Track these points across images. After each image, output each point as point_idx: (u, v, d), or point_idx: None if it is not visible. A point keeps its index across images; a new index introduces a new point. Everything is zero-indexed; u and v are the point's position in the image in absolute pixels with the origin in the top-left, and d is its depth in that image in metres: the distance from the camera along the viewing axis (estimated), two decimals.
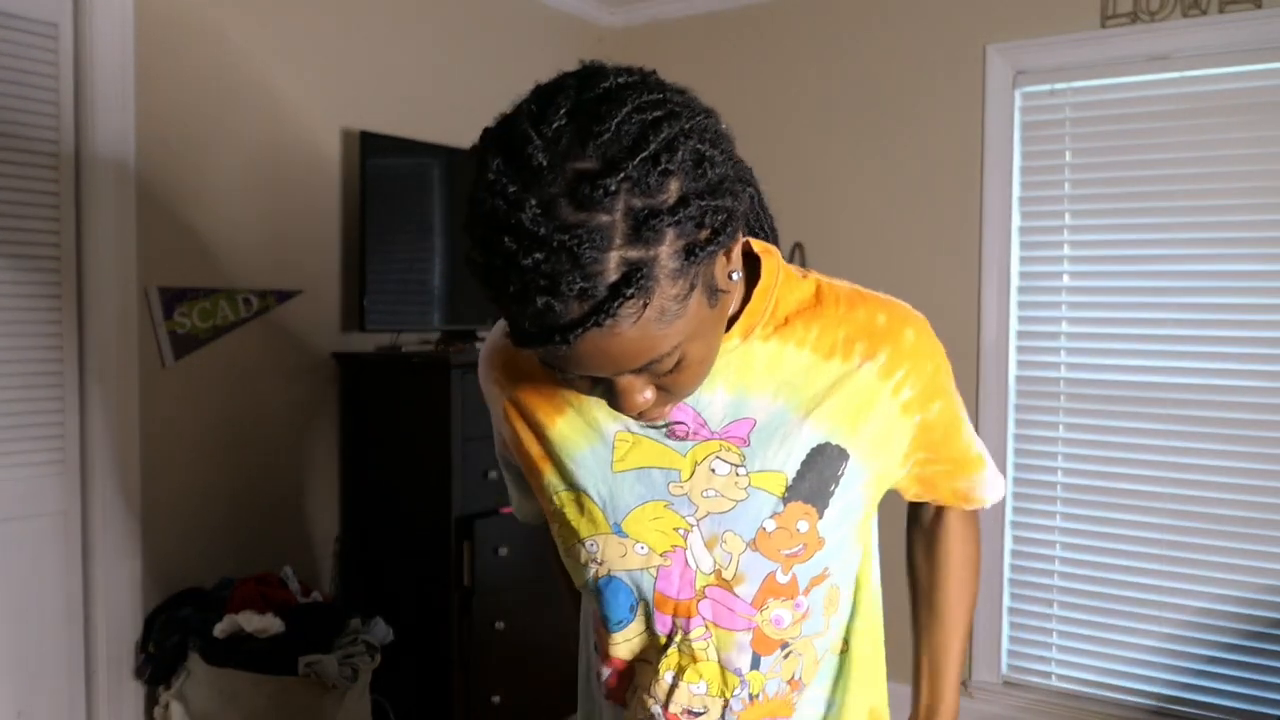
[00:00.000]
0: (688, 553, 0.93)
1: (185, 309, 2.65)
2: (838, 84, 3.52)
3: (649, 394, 0.79)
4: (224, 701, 2.37)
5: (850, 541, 0.99)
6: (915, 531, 1.16)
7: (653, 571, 0.94)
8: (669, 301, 0.71)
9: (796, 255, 3.58)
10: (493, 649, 2.88)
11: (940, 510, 1.12)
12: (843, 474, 0.93)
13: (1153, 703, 3.07)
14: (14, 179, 2.35)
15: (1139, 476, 3.07)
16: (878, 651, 1.05)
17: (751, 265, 0.95)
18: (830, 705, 1.03)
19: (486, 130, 0.75)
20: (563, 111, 0.70)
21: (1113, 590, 3.11)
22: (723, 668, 0.95)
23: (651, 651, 0.97)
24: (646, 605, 0.95)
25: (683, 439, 0.92)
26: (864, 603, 1.04)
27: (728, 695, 0.96)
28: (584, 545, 0.96)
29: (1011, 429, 3.25)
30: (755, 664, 0.96)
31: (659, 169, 0.68)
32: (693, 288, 0.73)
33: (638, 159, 0.68)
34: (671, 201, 0.69)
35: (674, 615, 0.94)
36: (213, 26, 2.70)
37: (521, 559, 2.93)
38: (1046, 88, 3.16)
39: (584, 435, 0.95)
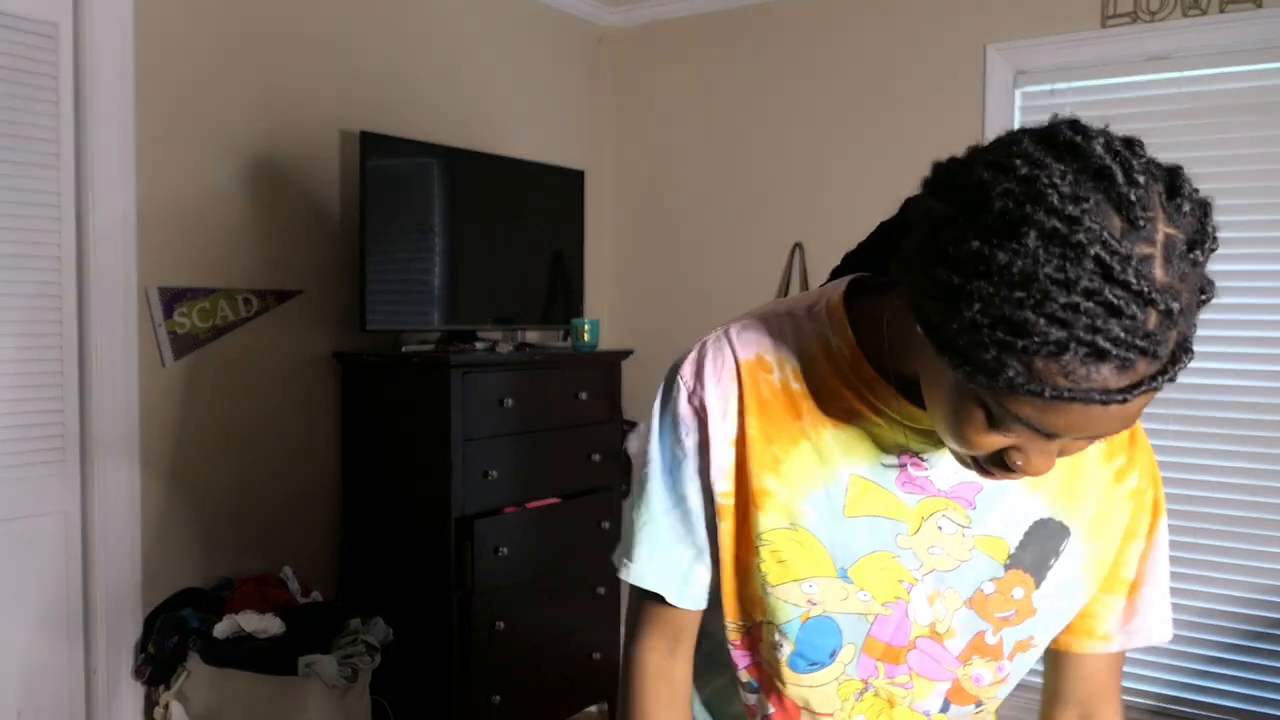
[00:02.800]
0: (909, 605, 0.93)
1: (185, 309, 2.65)
2: (837, 84, 3.52)
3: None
4: (224, 701, 2.37)
5: (1062, 618, 0.97)
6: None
7: (870, 618, 0.93)
8: None
9: (796, 255, 3.58)
10: (493, 649, 2.88)
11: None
12: (1063, 549, 0.94)
13: (1153, 703, 3.07)
14: (14, 179, 2.35)
15: None
16: None
17: None
18: None
19: (1045, 161, 0.67)
20: (1142, 173, 0.67)
21: None
22: (912, 710, 0.96)
23: (834, 700, 0.96)
24: (854, 649, 0.93)
25: (912, 493, 0.92)
26: None
27: None
28: (801, 585, 0.92)
29: None
30: (944, 708, 0.97)
31: (1209, 256, 0.68)
32: None
33: (1207, 240, 0.67)
34: (1205, 286, 0.69)
35: (880, 660, 0.94)
36: (212, 27, 2.70)
37: (521, 559, 2.93)
38: (1047, 88, 3.16)
39: (819, 474, 0.92)
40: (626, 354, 3.45)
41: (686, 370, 0.95)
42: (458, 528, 2.80)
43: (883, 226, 1.01)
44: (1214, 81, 2.93)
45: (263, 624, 2.43)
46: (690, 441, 0.95)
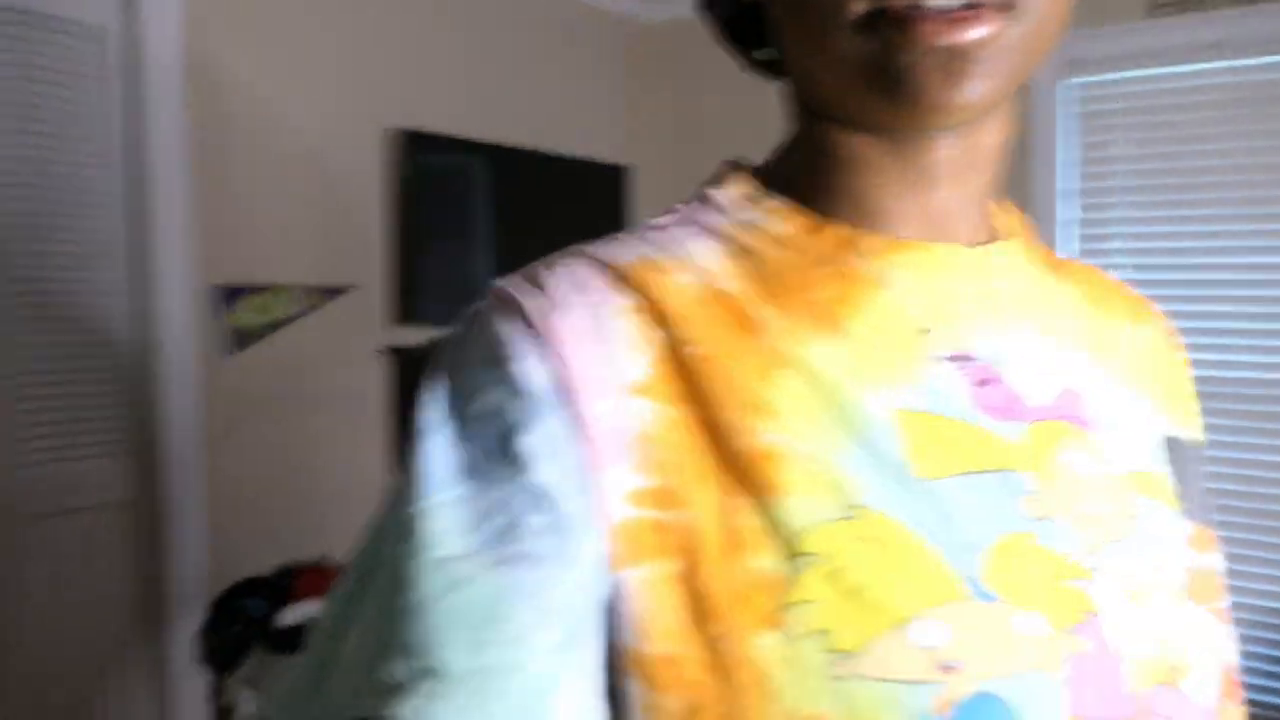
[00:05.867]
0: (1100, 621, 0.47)
1: (242, 305, 2.70)
2: None
3: None
4: None
5: None
6: None
7: (1057, 674, 0.45)
8: None
9: None
10: None
11: None
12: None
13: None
14: (73, 179, 2.40)
15: None
16: None
17: None
18: None
19: None
20: None
21: None
22: None
23: None
24: None
25: (1007, 418, 0.50)
26: None
27: None
28: (906, 631, 0.43)
29: None
30: None
31: None
32: None
33: None
34: None
35: None
36: (260, 28, 2.74)
37: None
38: (1096, 78, 3.13)
39: (835, 417, 0.47)
40: None
41: (512, 294, 0.48)
42: None
43: None
44: (1268, 71, 2.90)
45: None
46: (540, 431, 0.44)
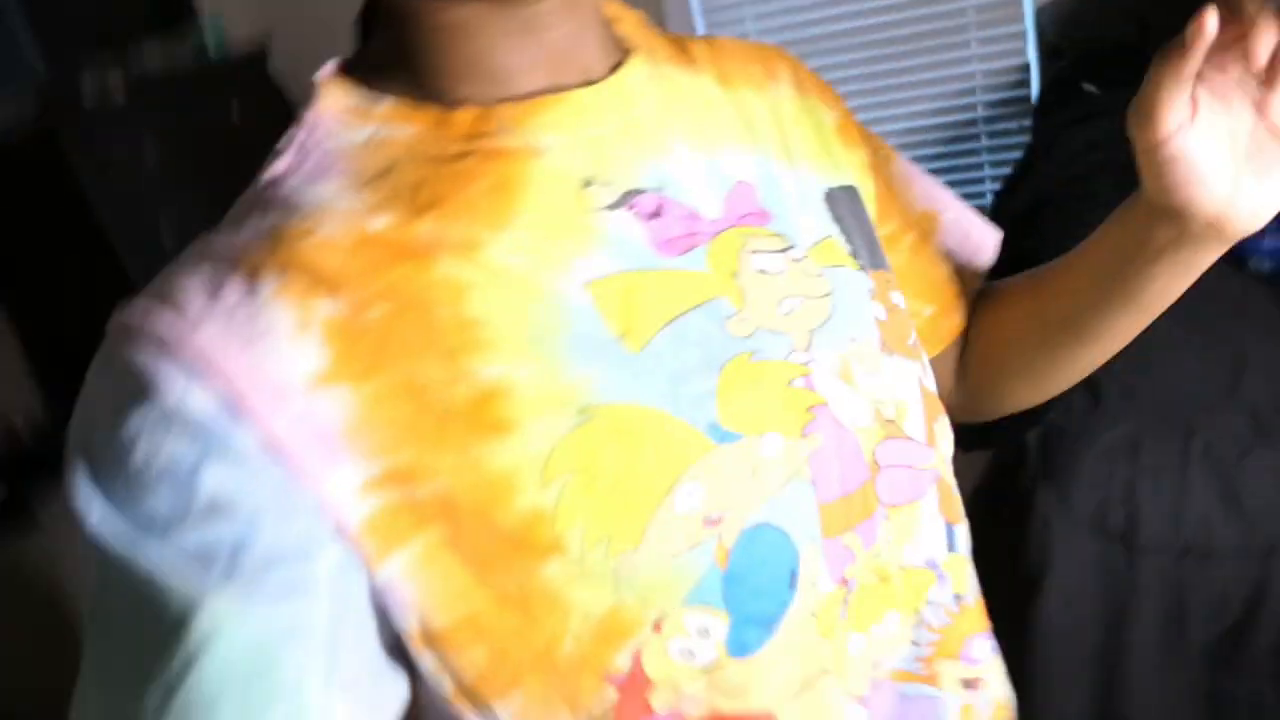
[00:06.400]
0: (829, 407, 0.52)
1: None
2: None
3: None
4: None
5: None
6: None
7: (806, 476, 0.50)
8: None
9: None
10: None
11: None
12: (873, 220, 0.62)
13: None
14: None
15: None
16: None
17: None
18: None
19: None
20: None
21: None
22: (907, 570, 0.55)
23: (823, 651, 0.52)
24: (815, 544, 0.50)
25: (686, 249, 0.51)
26: None
27: (919, 605, 0.56)
28: (671, 504, 0.46)
29: None
30: (951, 542, 0.58)
31: None
32: None
33: None
34: None
35: (849, 529, 0.52)
36: None
37: None
38: None
39: (540, 315, 0.47)
40: None
41: (139, 322, 0.43)
42: None
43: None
44: None
45: None
46: (222, 463, 0.41)
